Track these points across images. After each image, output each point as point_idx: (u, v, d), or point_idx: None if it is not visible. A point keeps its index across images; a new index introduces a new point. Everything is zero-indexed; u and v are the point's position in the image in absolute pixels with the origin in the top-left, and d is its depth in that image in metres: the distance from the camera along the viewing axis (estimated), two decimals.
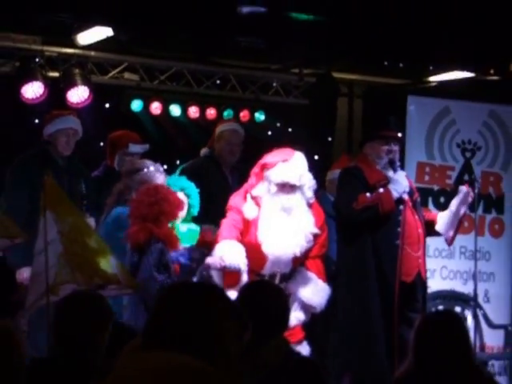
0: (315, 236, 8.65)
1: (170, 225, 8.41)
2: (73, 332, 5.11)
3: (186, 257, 8.45)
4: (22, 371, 4.33)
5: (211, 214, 8.92)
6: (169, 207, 8.34)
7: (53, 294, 7.30)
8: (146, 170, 8.93)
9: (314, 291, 8.61)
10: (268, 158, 8.72)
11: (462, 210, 9.34)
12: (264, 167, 8.63)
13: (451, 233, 9.39)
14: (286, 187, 8.46)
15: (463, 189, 9.42)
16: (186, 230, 8.77)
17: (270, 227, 8.44)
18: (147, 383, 2.78)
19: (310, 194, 8.66)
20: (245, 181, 9.20)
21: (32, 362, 6.08)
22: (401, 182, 9.05)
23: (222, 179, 10.00)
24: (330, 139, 12.83)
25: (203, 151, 10.63)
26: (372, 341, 8.86)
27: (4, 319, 7.04)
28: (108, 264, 7.62)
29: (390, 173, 9.12)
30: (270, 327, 5.00)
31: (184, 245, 8.51)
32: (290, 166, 8.55)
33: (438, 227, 9.31)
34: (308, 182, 8.64)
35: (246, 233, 8.63)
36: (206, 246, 8.47)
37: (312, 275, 8.68)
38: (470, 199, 9.35)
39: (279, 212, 8.48)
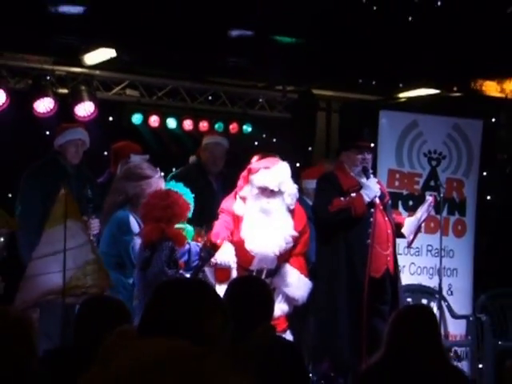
0: (297, 236, 8.71)
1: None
2: (97, 330, 5.04)
3: (197, 256, 8.53)
4: (35, 354, 4.41)
5: (197, 215, 8.90)
6: (179, 210, 8.43)
7: (65, 295, 7.39)
8: (154, 176, 9.03)
9: (297, 285, 8.67)
10: (254, 164, 8.82)
11: (423, 217, 9.53)
12: (250, 172, 8.69)
13: (411, 236, 9.59)
14: (267, 191, 8.50)
15: (429, 199, 9.70)
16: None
17: (251, 226, 8.53)
18: (151, 367, 2.85)
19: (289, 200, 8.67)
20: (229, 185, 9.40)
21: (47, 353, 6.12)
22: (372, 188, 9.11)
23: (207, 184, 10.05)
24: (310, 149, 12.83)
25: (191, 159, 10.79)
26: (341, 329, 8.97)
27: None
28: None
29: (363, 179, 9.19)
30: (256, 316, 4.97)
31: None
32: (271, 172, 8.60)
33: (404, 230, 9.49)
34: (289, 189, 8.65)
35: (237, 231, 8.69)
36: (213, 247, 8.53)
37: (295, 271, 8.74)
38: (432, 209, 9.65)
39: (259, 213, 8.55)
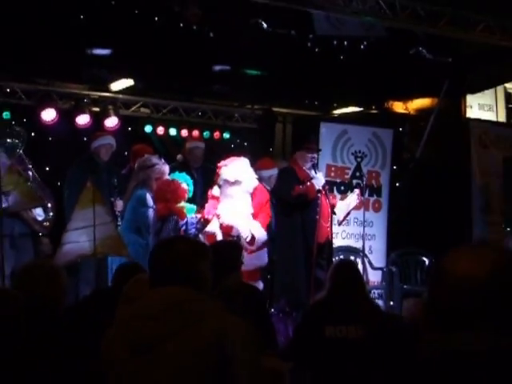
0: (256, 212, 8.78)
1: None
2: (121, 279, 5.00)
3: (195, 227, 8.65)
4: (64, 294, 4.41)
5: None
6: (180, 193, 8.61)
7: (93, 256, 7.48)
8: (158, 164, 9.28)
9: (259, 233, 8.67)
10: (221, 163, 8.84)
11: (352, 205, 9.65)
12: (218, 168, 8.77)
13: (341, 217, 9.79)
14: (228, 182, 8.54)
15: (356, 191, 9.95)
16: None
17: (222, 207, 8.56)
18: (166, 302, 2.80)
19: (247, 187, 8.68)
20: (208, 177, 9.61)
21: (92, 293, 6.16)
22: (320, 179, 9.29)
23: (190, 175, 9.85)
24: (271, 149, 12.86)
25: (178, 157, 10.91)
26: (296, 277, 9.14)
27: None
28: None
29: (312, 172, 9.32)
30: (229, 267, 5.12)
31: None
32: (229, 169, 8.64)
33: (336, 210, 9.69)
34: (246, 179, 8.67)
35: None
36: (205, 220, 8.64)
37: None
38: (357, 200, 9.76)
39: (225, 197, 8.57)
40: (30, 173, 8.73)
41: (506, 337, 1.39)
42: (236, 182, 8.59)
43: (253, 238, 8.49)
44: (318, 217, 9.15)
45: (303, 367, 4.96)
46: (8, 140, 8.66)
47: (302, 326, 5.57)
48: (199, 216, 8.82)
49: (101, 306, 4.69)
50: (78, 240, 7.53)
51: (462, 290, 1.44)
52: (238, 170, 8.70)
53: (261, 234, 8.64)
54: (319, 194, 9.19)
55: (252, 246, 8.48)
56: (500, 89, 17.60)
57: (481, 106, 16.97)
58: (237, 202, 8.57)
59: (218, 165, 8.96)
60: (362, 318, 5.19)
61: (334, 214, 9.66)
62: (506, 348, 1.38)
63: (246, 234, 8.40)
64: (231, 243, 6.63)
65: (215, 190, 8.84)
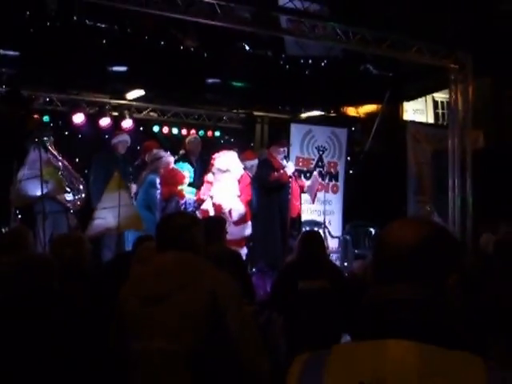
0: (240, 193, 8.81)
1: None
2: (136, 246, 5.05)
3: (193, 205, 8.65)
4: (88, 256, 4.37)
5: None
6: (179, 179, 8.57)
7: (117, 231, 7.55)
8: (164, 156, 9.29)
9: (238, 208, 8.69)
10: (215, 155, 8.86)
11: (315, 185, 9.74)
12: (212, 159, 8.77)
13: (312, 196, 9.82)
14: (221, 170, 8.56)
15: (315, 174, 10.13)
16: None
17: (215, 189, 8.55)
18: (170, 263, 2.83)
19: (236, 174, 8.71)
20: (204, 166, 9.58)
21: (114, 256, 6.13)
22: (290, 167, 9.33)
23: (190, 164, 9.93)
24: (252, 145, 12.83)
25: (181, 151, 10.70)
26: (273, 244, 9.13)
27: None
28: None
29: (284, 162, 9.34)
30: (214, 236, 5.00)
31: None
32: (222, 159, 8.66)
33: (306, 191, 9.67)
34: (234, 168, 8.71)
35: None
36: (201, 200, 8.67)
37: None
38: (317, 181, 9.89)
39: (218, 182, 8.58)
40: (61, 164, 8.72)
41: (429, 288, 1.41)
42: (227, 170, 8.62)
43: (231, 211, 8.55)
44: (290, 197, 9.15)
45: (278, 313, 4.98)
46: (44, 138, 8.61)
47: (279, 282, 5.57)
48: (196, 197, 8.85)
49: (122, 266, 4.72)
50: (106, 217, 7.56)
51: (397, 253, 1.46)
52: (228, 161, 8.73)
53: (240, 209, 8.66)
54: (290, 179, 9.20)
55: (231, 218, 8.51)
56: (429, 97, 17.73)
57: (414, 111, 17.09)
58: (227, 186, 8.59)
59: (213, 156, 8.99)
60: (325, 274, 5.22)
61: (304, 192, 9.71)
62: (429, 297, 1.40)
63: (226, 208, 8.43)
64: (216, 218, 6.60)
65: (209, 176, 8.87)
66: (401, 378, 1.32)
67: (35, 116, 5.17)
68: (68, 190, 8.53)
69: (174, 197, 8.71)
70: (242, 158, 9.58)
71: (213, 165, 8.83)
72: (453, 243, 1.51)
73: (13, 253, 3.96)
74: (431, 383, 1.30)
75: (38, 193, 6.95)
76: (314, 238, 5.61)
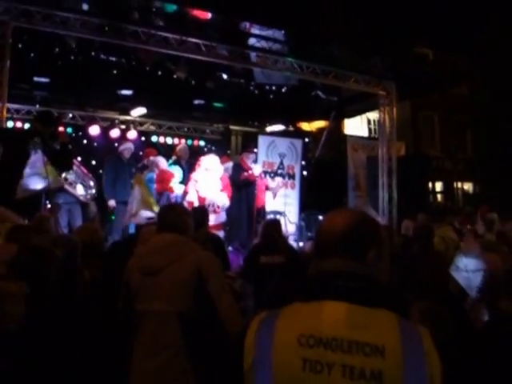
0: (225, 189, 8.71)
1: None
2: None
3: (180, 198, 8.54)
4: (101, 246, 4.30)
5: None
6: (168, 177, 8.46)
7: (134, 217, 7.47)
8: (160, 161, 9.06)
9: (224, 202, 8.63)
10: (201, 158, 8.78)
11: (277, 189, 9.72)
12: (199, 161, 8.69)
13: (274, 195, 9.71)
14: (206, 169, 8.47)
15: (279, 181, 10.14)
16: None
17: (201, 186, 8.44)
18: (165, 243, 2.78)
19: (217, 173, 8.61)
20: (191, 168, 9.20)
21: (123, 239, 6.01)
22: (257, 169, 9.19)
23: (180, 167, 9.63)
24: (228, 152, 12.81)
25: (173, 156, 10.44)
26: (241, 225, 9.04)
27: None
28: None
29: (253, 165, 9.25)
30: (201, 223, 4.88)
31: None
32: (206, 160, 8.56)
33: (270, 190, 9.61)
34: (216, 168, 8.61)
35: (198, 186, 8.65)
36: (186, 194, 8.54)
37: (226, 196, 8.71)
38: (279, 186, 9.87)
39: (203, 181, 8.47)
40: (75, 166, 8.58)
41: (355, 261, 1.45)
42: (210, 170, 8.54)
43: (217, 205, 8.50)
44: (256, 192, 9.02)
45: (249, 283, 4.99)
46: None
47: (248, 258, 5.53)
48: (183, 191, 8.73)
49: (128, 246, 4.70)
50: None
51: (329, 236, 1.49)
52: (212, 162, 8.66)
53: (225, 202, 8.64)
54: (257, 179, 9.11)
55: (218, 210, 8.50)
56: (364, 116, 17.87)
57: (353, 127, 17.19)
58: (210, 182, 8.52)
59: (200, 158, 8.90)
60: (282, 251, 5.24)
61: (268, 189, 9.56)
62: (355, 268, 1.44)
63: (210, 201, 8.35)
64: (202, 209, 6.47)
65: (194, 175, 8.72)
66: (332, 329, 1.35)
67: (62, 130, 5.12)
68: (62, 185, 8.27)
69: (165, 191, 8.61)
70: (220, 162, 9.56)
71: (199, 165, 8.74)
72: (370, 227, 1.51)
73: (40, 234, 3.89)
74: (356, 334, 1.33)
75: (38, 187, 6.79)
76: (272, 224, 5.54)
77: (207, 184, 8.46)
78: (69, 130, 10.85)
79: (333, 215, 1.54)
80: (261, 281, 4.97)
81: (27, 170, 6.61)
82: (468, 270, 4.75)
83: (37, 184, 6.78)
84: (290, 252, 5.37)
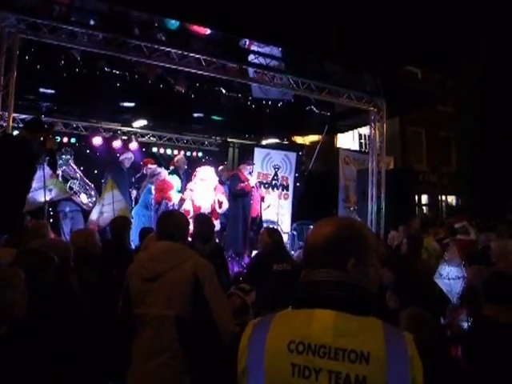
0: (219, 200, 8.69)
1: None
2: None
3: (178, 206, 8.52)
4: (96, 249, 4.17)
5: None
6: (167, 187, 8.44)
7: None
8: (159, 171, 9.05)
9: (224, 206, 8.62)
10: (197, 169, 8.77)
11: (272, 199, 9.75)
12: (195, 172, 8.68)
13: (265, 207, 9.72)
14: (201, 179, 8.46)
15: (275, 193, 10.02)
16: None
17: (197, 195, 8.44)
18: (165, 250, 2.78)
19: (213, 183, 8.61)
20: (188, 178, 9.25)
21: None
22: (253, 180, 9.25)
23: (179, 177, 9.63)
24: (225, 163, 12.77)
25: (172, 167, 10.40)
26: (237, 234, 8.97)
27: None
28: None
29: (249, 176, 9.24)
30: (209, 237, 4.57)
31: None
32: (200, 172, 8.56)
33: (266, 201, 9.63)
34: (211, 178, 8.61)
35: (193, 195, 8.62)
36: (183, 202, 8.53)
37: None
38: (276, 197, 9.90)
39: (199, 191, 8.45)
40: (78, 175, 8.57)
41: (339, 271, 1.45)
42: (205, 180, 8.54)
43: (215, 210, 8.49)
44: (251, 202, 9.02)
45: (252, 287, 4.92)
46: (63, 156, 8.46)
47: (255, 265, 5.35)
48: (179, 200, 8.71)
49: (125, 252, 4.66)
50: (107, 210, 7.66)
51: (312, 249, 1.50)
52: (206, 173, 8.66)
53: (226, 204, 8.64)
54: (253, 189, 9.10)
55: (217, 212, 8.49)
56: (355, 131, 17.93)
57: (345, 141, 17.25)
58: (204, 192, 8.51)
59: (196, 169, 8.91)
60: (287, 259, 5.21)
61: (263, 201, 9.52)
62: (339, 277, 1.45)
63: (205, 209, 8.31)
64: (209, 222, 6.19)
65: (190, 184, 8.71)
66: (320, 337, 1.36)
67: (51, 137, 5.08)
68: (68, 195, 8.25)
69: (164, 200, 8.60)
70: (218, 172, 9.57)
71: (195, 175, 8.75)
72: (350, 236, 1.48)
73: (37, 238, 3.85)
74: (342, 341, 1.35)
75: (42, 199, 6.82)
76: (278, 233, 5.49)
77: (202, 193, 8.45)
78: (72, 139, 10.92)
79: (317, 226, 1.54)
80: (272, 286, 4.90)
81: (33, 185, 6.62)
82: (450, 277, 4.81)
83: (41, 197, 6.80)
84: (291, 260, 5.37)
